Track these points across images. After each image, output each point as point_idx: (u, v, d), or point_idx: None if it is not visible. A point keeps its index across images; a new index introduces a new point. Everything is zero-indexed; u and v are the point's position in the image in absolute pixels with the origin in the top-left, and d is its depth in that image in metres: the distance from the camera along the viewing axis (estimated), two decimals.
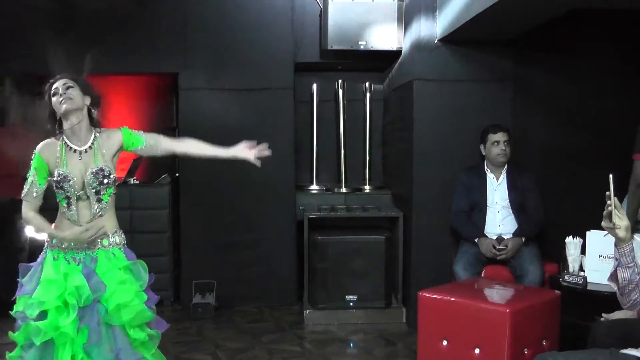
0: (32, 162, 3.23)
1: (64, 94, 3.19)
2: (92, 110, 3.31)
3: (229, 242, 6.15)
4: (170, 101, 6.73)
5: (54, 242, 3.22)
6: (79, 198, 3.22)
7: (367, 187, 6.52)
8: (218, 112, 6.15)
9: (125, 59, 6.12)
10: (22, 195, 3.26)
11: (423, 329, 4.10)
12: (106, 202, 3.26)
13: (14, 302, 3.25)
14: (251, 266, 6.16)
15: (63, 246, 3.21)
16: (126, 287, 3.17)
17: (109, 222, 3.31)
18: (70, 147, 3.24)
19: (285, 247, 6.22)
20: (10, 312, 3.22)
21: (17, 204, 5.69)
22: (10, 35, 5.97)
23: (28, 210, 3.24)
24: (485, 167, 5.04)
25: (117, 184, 3.35)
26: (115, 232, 3.32)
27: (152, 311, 3.27)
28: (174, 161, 6.56)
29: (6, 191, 5.71)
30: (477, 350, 3.80)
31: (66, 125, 3.23)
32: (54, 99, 3.22)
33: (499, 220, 4.92)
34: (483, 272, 4.79)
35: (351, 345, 5.19)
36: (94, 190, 3.21)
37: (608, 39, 5.36)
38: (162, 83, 6.87)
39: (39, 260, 3.26)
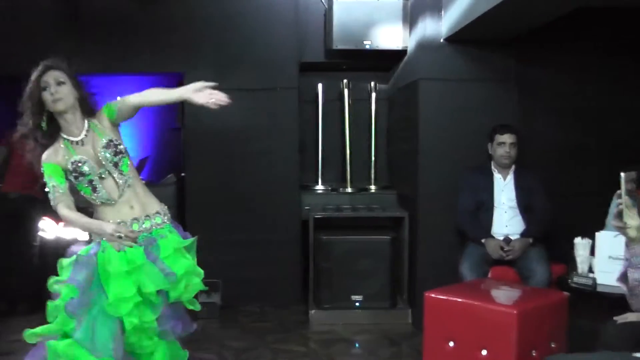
0: (45, 173, 3.11)
1: (56, 93, 3.07)
2: (84, 101, 3.19)
3: (234, 242, 6.13)
4: None
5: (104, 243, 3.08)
6: (101, 177, 3.13)
7: (372, 187, 6.50)
8: (223, 111, 6.02)
9: (131, 59, 6.12)
10: (52, 203, 3.10)
11: (429, 330, 4.08)
12: (127, 172, 3.18)
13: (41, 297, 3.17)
14: (256, 266, 6.14)
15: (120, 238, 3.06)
16: (188, 276, 3.18)
17: (150, 199, 3.27)
18: (71, 141, 3.15)
19: (290, 247, 6.21)
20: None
21: (28, 200, 5.77)
22: (14, 36, 5.97)
23: (66, 211, 3.07)
24: (492, 167, 5.01)
25: (129, 155, 3.27)
26: (162, 207, 3.30)
27: None
28: (179, 161, 6.55)
29: (19, 187, 5.74)
30: (484, 352, 3.78)
31: (60, 120, 3.14)
32: (44, 93, 3.08)
33: (506, 220, 4.89)
34: (489, 273, 4.77)
35: (356, 345, 5.17)
36: (112, 164, 3.14)
37: (613, 37, 5.35)
38: (167, 83, 6.86)
39: (92, 251, 3.09)
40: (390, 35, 5.87)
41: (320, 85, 6.50)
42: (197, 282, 3.25)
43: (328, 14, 6.01)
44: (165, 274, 3.07)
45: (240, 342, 5.18)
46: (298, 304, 6.13)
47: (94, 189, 3.13)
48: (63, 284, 3.04)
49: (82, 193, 3.16)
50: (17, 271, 5.89)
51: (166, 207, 3.34)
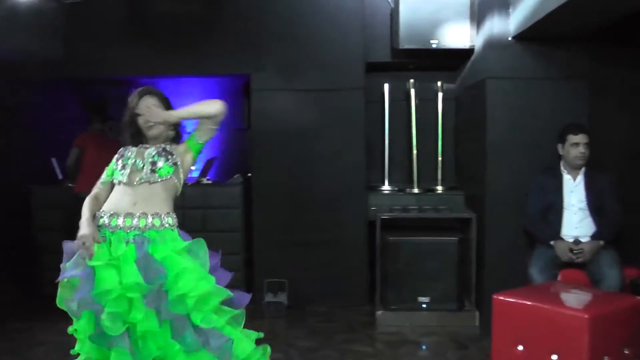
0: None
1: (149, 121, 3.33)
2: (175, 126, 3.41)
3: (300, 242, 6.19)
4: (242, 102, 6.80)
5: (100, 221, 3.21)
6: (134, 165, 3.28)
7: (439, 188, 6.43)
8: (290, 112, 6.20)
9: (198, 61, 6.23)
10: None
11: (497, 333, 4.03)
12: (159, 176, 3.27)
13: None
14: (323, 266, 6.19)
15: (111, 224, 3.18)
16: (186, 276, 3.09)
17: (161, 205, 3.27)
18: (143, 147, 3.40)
19: (357, 247, 6.22)
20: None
21: None
22: (86, 41, 6.16)
23: (90, 195, 3.36)
24: (562, 168, 4.91)
25: (181, 177, 3.35)
26: (168, 213, 3.27)
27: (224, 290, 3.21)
28: (246, 162, 6.64)
29: (91, 188, 5.92)
30: (554, 357, 3.71)
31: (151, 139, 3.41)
32: (139, 119, 3.33)
33: (576, 222, 4.77)
34: (559, 276, 4.67)
35: (423, 347, 5.13)
36: (150, 161, 3.28)
37: None
38: (234, 84, 6.96)
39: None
40: (457, 34, 5.81)
41: (386, 85, 6.47)
42: (196, 293, 3.09)
43: (394, 13, 5.99)
44: (153, 271, 3.06)
45: (307, 342, 5.21)
46: (364, 304, 6.14)
47: (122, 172, 3.29)
48: (59, 282, 3.16)
49: (112, 179, 3.35)
50: None
51: (175, 215, 3.33)
